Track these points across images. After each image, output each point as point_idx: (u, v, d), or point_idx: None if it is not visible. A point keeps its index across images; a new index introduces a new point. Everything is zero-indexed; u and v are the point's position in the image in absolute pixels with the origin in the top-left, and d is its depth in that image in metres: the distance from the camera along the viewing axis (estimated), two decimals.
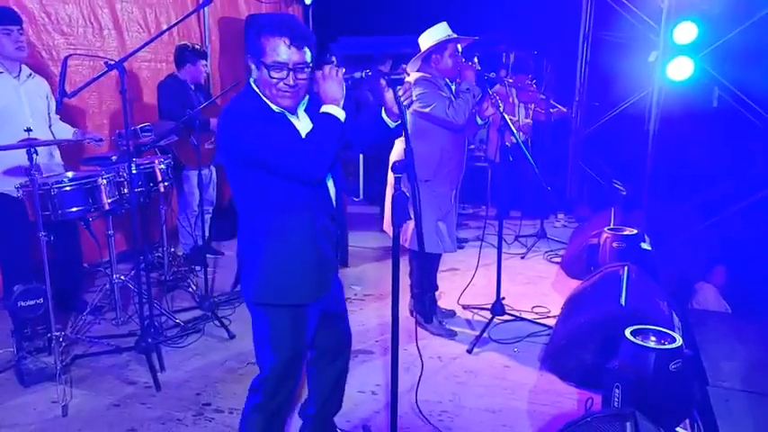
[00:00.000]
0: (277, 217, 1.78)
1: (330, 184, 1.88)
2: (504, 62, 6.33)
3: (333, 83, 1.71)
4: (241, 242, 1.86)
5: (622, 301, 2.85)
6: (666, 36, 5.14)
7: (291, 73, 1.68)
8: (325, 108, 1.72)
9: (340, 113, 1.71)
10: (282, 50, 1.65)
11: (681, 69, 5.02)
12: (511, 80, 5.11)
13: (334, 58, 1.81)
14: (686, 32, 4.98)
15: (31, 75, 3.28)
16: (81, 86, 2.74)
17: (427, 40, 3.14)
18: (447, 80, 3.21)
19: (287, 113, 1.78)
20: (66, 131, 3.47)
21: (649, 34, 5.37)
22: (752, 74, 4.68)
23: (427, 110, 3.03)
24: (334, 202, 1.89)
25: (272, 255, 1.80)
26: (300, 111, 1.84)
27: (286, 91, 1.70)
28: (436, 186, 3.14)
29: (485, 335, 3.31)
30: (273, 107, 1.75)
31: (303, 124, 1.81)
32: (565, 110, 5.41)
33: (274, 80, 1.68)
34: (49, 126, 3.37)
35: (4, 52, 3.10)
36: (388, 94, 1.77)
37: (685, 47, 5.00)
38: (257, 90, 1.75)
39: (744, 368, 2.82)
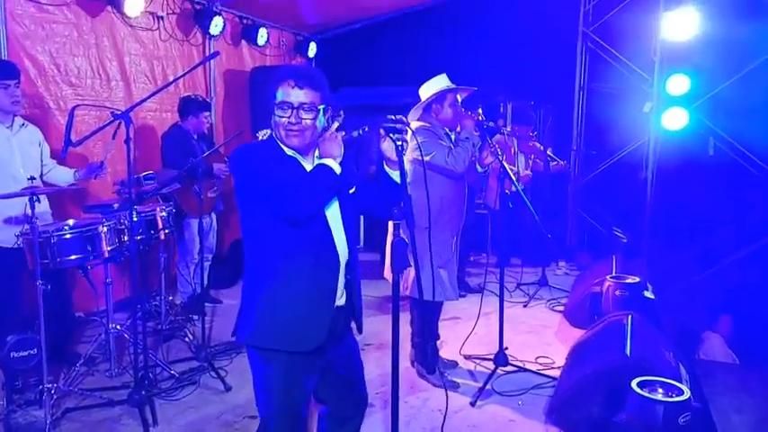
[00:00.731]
0: (275, 261, 1.83)
1: (337, 236, 1.88)
2: (502, 112, 6.46)
3: (332, 143, 1.82)
4: (244, 283, 1.91)
5: (627, 351, 2.79)
6: (660, 87, 5.28)
7: (295, 111, 1.79)
8: (321, 160, 1.83)
9: (335, 166, 1.80)
10: (288, 91, 1.79)
11: (676, 119, 5.14)
12: (508, 129, 5.20)
13: (341, 111, 1.88)
14: (679, 84, 5.13)
15: (24, 124, 3.31)
16: (86, 135, 2.78)
17: (427, 90, 3.24)
18: (447, 129, 3.27)
19: (299, 158, 1.87)
20: (66, 174, 3.48)
21: (642, 86, 5.52)
22: (746, 123, 4.78)
23: (427, 158, 3.07)
24: (340, 256, 1.89)
25: (268, 298, 1.84)
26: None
27: (290, 129, 1.81)
28: (436, 233, 3.14)
29: (488, 386, 3.22)
30: (287, 150, 1.86)
31: None
32: (563, 163, 5.48)
33: (282, 119, 1.81)
34: (41, 175, 3.36)
35: None
36: (385, 144, 1.83)
37: (679, 98, 5.13)
38: (275, 135, 1.88)
39: (754, 422, 2.74)
